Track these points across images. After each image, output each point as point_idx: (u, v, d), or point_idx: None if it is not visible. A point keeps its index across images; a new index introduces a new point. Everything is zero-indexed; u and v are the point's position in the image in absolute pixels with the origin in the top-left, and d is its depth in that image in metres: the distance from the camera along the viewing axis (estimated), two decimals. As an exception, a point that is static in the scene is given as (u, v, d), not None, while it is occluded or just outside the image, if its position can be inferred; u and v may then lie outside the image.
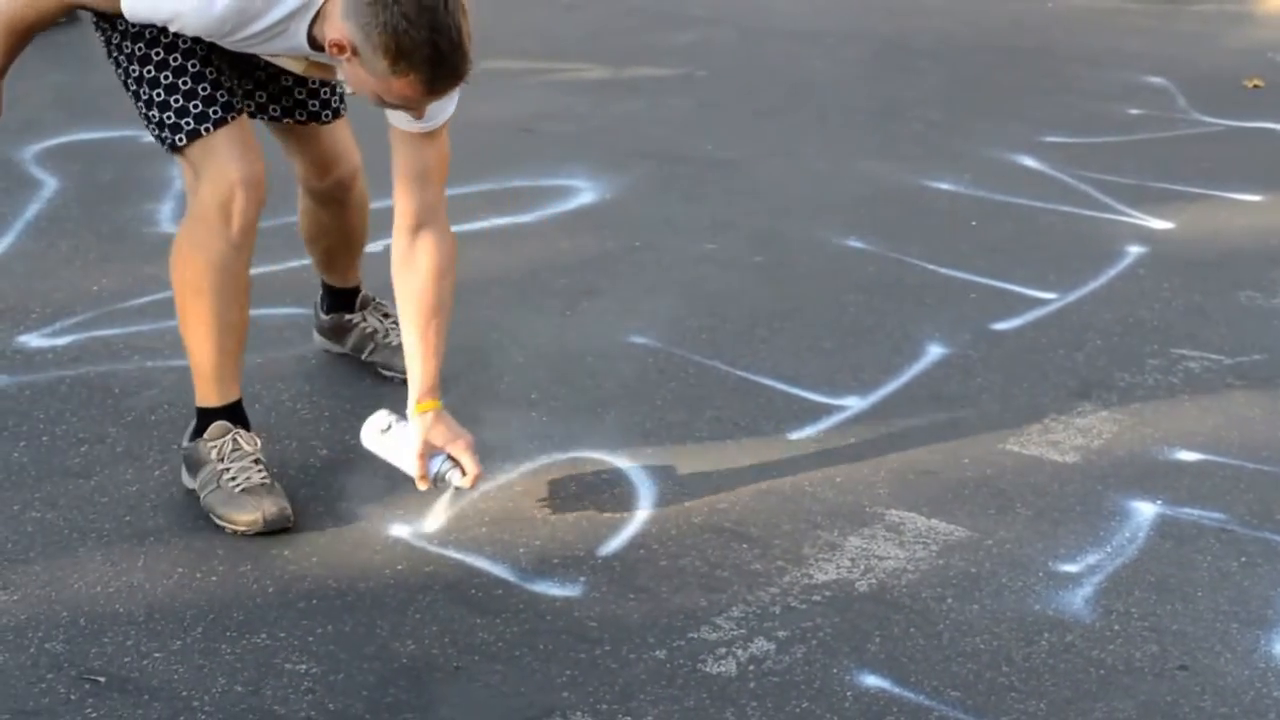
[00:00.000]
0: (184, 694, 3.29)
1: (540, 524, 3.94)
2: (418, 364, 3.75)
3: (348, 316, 4.55)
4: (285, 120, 4.08)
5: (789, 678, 3.43)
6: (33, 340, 4.70)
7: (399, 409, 3.91)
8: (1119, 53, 9.08)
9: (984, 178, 6.65)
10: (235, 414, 3.87)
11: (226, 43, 3.64)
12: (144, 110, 3.76)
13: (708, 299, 5.31)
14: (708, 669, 3.45)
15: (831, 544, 3.92)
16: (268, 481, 3.80)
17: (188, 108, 3.69)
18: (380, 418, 3.90)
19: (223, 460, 3.81)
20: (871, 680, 3.45)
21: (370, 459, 4.04)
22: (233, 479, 3.78)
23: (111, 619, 3.50)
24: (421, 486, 3.81)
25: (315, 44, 3.55)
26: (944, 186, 6.53)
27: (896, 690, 3.42)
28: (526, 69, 8.36)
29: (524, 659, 3.46)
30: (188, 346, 3.83)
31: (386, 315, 4.51)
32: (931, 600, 3.72)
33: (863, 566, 3.83)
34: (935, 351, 5.00)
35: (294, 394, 4.47)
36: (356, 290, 4.55)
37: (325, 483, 4.04)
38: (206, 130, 3.69)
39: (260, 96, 4.01)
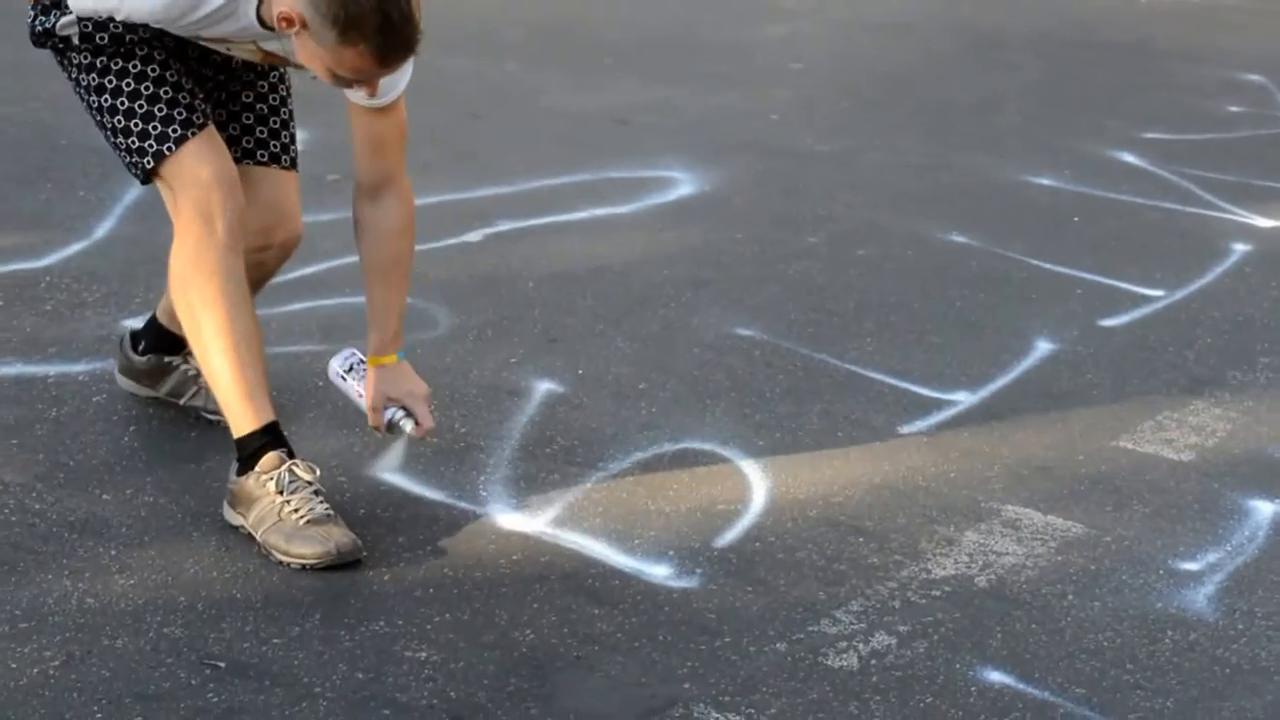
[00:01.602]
0: (305, 680, 3.26)
1: (654, 515, 3.90)
2: (378, 317, 3.79)
3: (168, 359, 4.19)
4: (245, 163, 3.85)
5: (911, 672, 3.39)
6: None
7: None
8: (1215, 49, 9.00)
9: (1084, 173, 6.59)
10: (276, 435, 3.70)
11: (177, 28, 3.57)
12: (112, 141, 3.69)
13: (813, 292, 5.27)
14: (829, 662, 3.41)
15: (948, 539, 3.87)
16: (331, 513, 3.64)
17: (148, 130, 3.63)
18: (343, 358, 3.94)
19: (282, 493, 3.65)
20: (995, 676, 3.40)
21: (488, 449, 4.02)
22: (295, 511, 3.61)
23: (229, 604, 3.48)
24: (376, 433, 3.86)
25: (265, 24, 3.49)
26: (1045, 182, 6.48)
27: (1020, 686, 3.37)
28: (617, 62, 8.33)
29: (644, 650, 3.42)
30: (211, 372, 3.67)
31: None
32: (1052, 597, 3.67)
33: (981, 562, 3.79)
34: (1044, 347, 4.95)
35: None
36: None
37: (437, 473, 4.02)
38: (169, 150, 3.60)
39: (222, 135, 3.80)
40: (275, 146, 3.91)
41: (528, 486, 3.98)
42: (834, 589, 3.66)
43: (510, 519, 3.85)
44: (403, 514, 3.84)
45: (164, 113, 3.62)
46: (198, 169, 3.60)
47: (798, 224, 5.87)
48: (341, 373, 3.93)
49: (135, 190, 5.65)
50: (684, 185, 6.20)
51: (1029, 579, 3.73)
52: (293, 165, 3.94)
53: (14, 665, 3.25)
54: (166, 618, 3.42)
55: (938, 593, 3.66)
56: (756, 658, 3.42)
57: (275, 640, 3.37)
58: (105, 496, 3.82)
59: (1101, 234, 5.93)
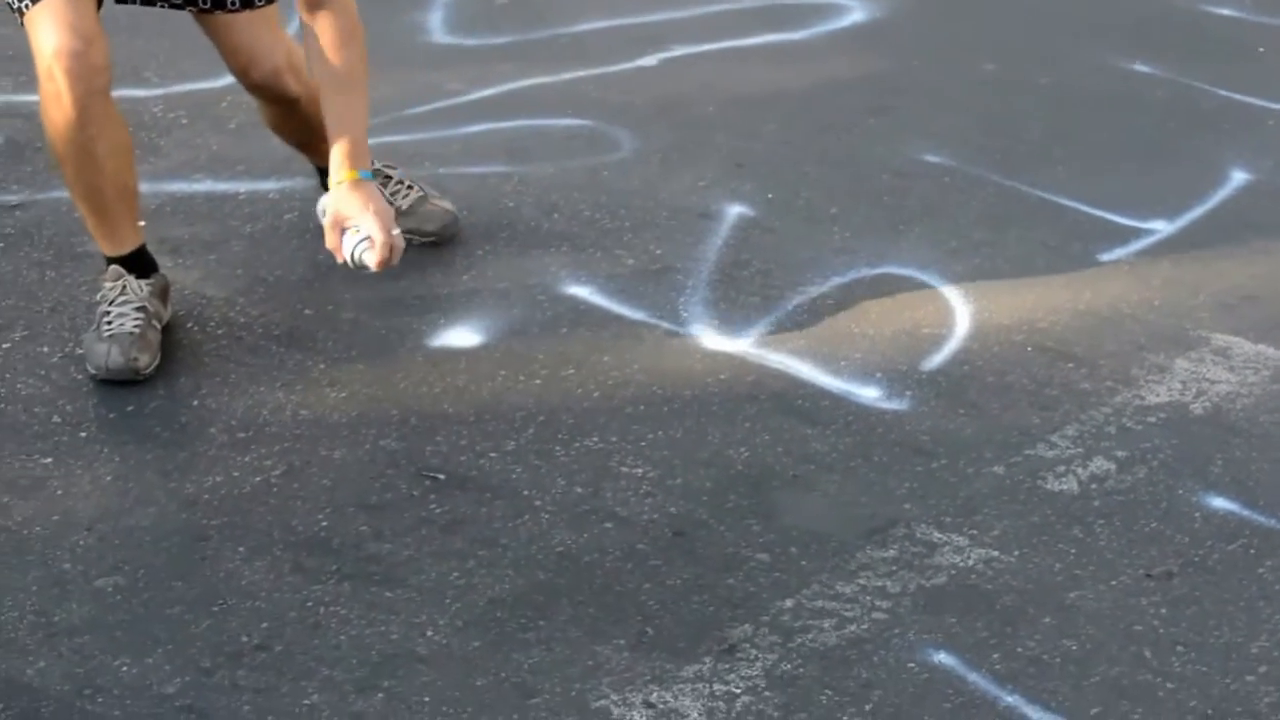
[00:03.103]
0: (524, 493, 3.24)
1: (859, 338, 3.85)
2: (334, 130, 3.46)
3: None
4: (215, 13, 3.71)
5: (1133, 497, 3.33)
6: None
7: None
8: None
9: (1266, 4, 6.39)
10: (130, 262, 3.66)
11: None
12: None
13: (997, 119, 5.15)
14: (1048, 486, 3.36)
15: (1159, 366, 3.79)
16: (137, 331, 3.56)
17: None
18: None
19: (107, 303, 3.61)
20: (1219, 502, 3.34)
21: (685, 271, 3.98)
22: (109, 323, 3.57)
23: (441, 419, 3.46)
24: (339, 261, 3.44)
25: None
26: (1225, 12, 6.29)
27: (1247, 513, 3.32)
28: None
29: (860, 470, 3.38)
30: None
31: (388, 179, 4.09)
32: (1271, 425, 3.60)
33: (1195, 390, 3.71)
34: (1239, 177, 4.83)
35: (593, 204, 4.38)
36: None
37: (637, 293, 3.98)
38: (25, 7, 3.43)
39: None
40: None
41: (728, 308, 3.92)
42: (1047, 414, 3.60)
43: (713, 339, 3.80)
44: (605, 333, 3.80)
45: None
46: (42, 38, 3.41)
47: (972, 51, 5.74)
48: (321, 208, 3.50)
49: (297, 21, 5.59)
50: (856, 12, 6.06)
51: (1245, 407, 3.65)
52: (246, 5, 3.72)
53: (236, 474, 3.24)
54: (381, 430, 3.40)
55: (1153, 419, 3.59)
56: (974, 480, 3.36)
57: (491, 454, 3.35)
58: (307, 311, 3.81)
59: (1286, 65, 5.77)
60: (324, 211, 3.42)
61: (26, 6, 3.43)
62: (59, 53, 3.40)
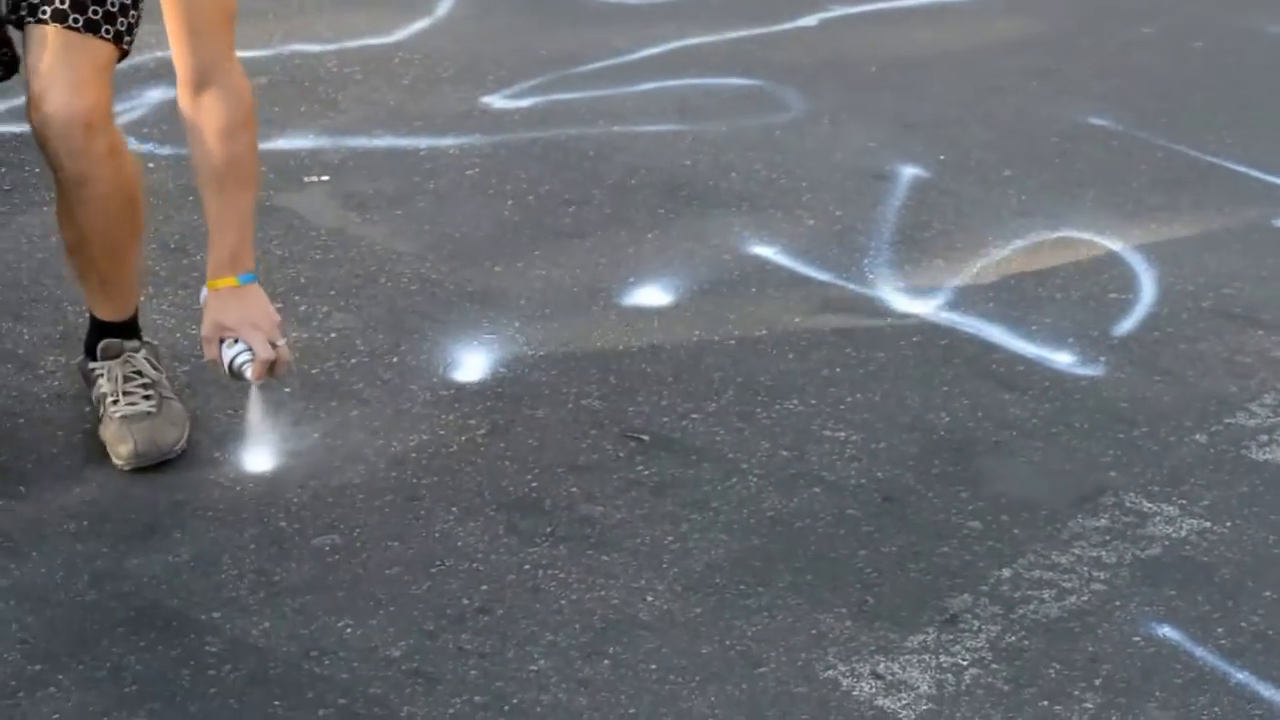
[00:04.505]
0: (730, 456, 3.24)
1: (1046, 301, 3.82)
2: (214, 231, 3.01)
3: (91, 365, 3.29)
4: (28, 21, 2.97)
5: (1344, 469, 3.29)
6: (496, 101, 4.65)
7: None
8: None
9: None
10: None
11: None
12: None
13: (1158, 83, 5.11)
14: (1253, 456, 3.33)
15: (1353, 336, 3.75)
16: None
17: None
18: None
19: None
20: None
21: (866, 232, 4.03)
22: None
23: (640, 379, 3.45)
24: (217, 371, 3.06)
25: None
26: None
27: None
28: None
29: (1062, 436, 3.36)
30: None
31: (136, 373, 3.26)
32: None
33: (1393, 359, 3.66)
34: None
35: (768, 164, 4.36)
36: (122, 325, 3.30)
37: (821, 254, 3.99)
38: None
39: None
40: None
41: (913, 270, 3.91)
42: (1243, 381, 3.57)
43: (902, 301, 3.79)
44: (794, 294, 3.79)
45: None
46: None
47: (1128, 15, 5.69)
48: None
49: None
50: (1007, -28, 6.01)
51: None
52: (60, 19, 2.93)
53: (442, 433, 3.25)
54: (582, 390, 3.40)
55: (1354, 389, 3.54)
56: (1178, 448, 3.33)
57: (693, 415, 3.34)
58: (498, 269, 3.81)
59: None
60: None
61: None
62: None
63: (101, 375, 3.23)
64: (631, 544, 2.98)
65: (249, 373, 2.94)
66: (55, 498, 3.00)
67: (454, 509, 3.05)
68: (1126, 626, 2.86)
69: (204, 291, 3.02)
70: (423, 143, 4.31)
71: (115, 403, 3.18)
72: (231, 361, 2.96)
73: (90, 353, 3.27)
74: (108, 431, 3.18)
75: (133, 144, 3.32)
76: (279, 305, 3.44)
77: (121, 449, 3.12)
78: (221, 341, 2.98)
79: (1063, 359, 3.61)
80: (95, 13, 2.92)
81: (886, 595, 2.90)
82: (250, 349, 2.94)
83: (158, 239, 3.71)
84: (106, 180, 3.01)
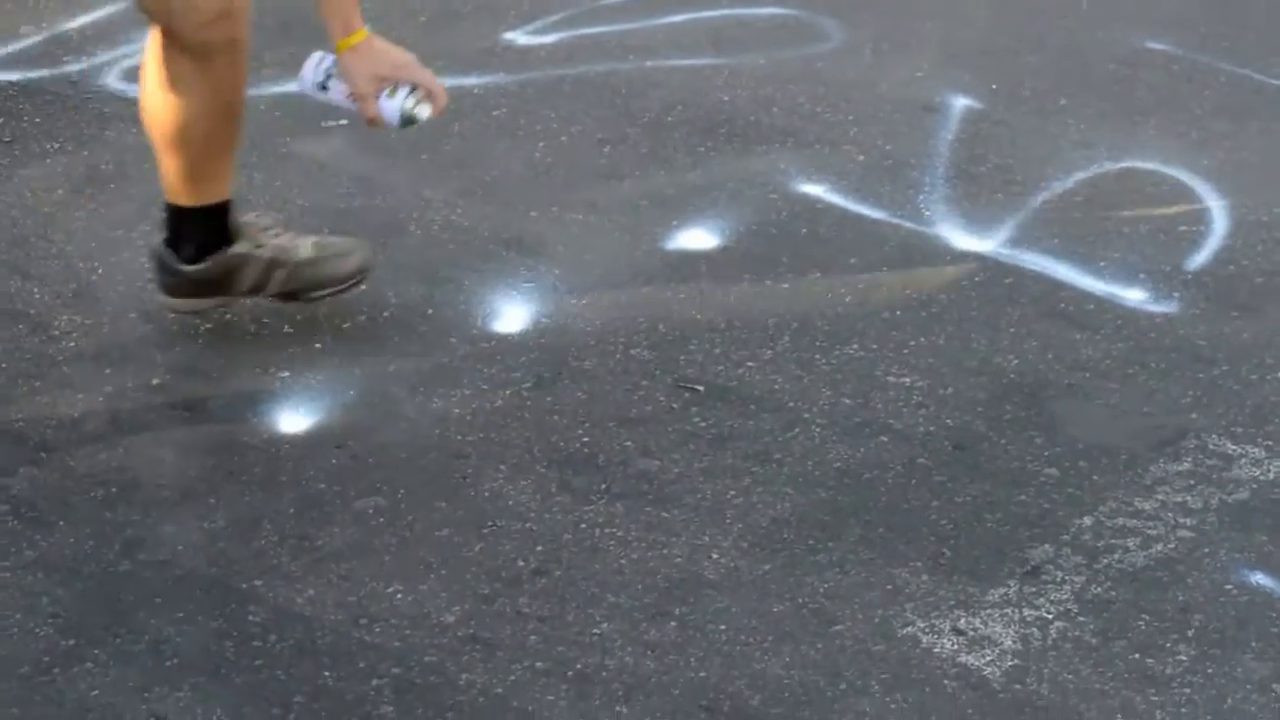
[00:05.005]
0: (790, 405, 3.07)
1: (1114, 235, 3.64)
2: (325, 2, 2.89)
3: (235, 248, 3.20)
4: None
5: None
6: (519, 38, 4.45)
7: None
8: None
9: None
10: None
11: None
12: None
13: (1219, 5, 4.89)
14: (1341, 394, 3.14)
15: None
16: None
17: None
18: (314, 66, 3.02)
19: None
20: None
21: (920, 167, 3.86)
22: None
23: (690, 325, 3.28)
24: (378, 128, 3.02)
25: None
26: None
27: None
28: None
29: (1138, 377, 3.18)
30: None
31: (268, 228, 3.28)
32: None
33: None
34: None
35: (811, 97, 4.17)
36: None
37: (874, 191, 3.81)
38: None
39: None
40: None
41: (971, 206, 3.72)
42: (1326, 315, 3.38)
43: (962, 239, 3.61)
44: (847, 233, 3.62)
45: None
46: None
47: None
48: (318, 82, 3.02)
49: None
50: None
51: None
52: None
53: (485, 387, 3.08)
54: (630, 339, 3.23)
55: None
56: (1260, 387, 3.17)
57: (749, 363, 3.17)
58: (532, 213, 3.63)
59: None
60: (324, 82, 3.00)
61: None
62: None
63: (263, 235, 3.20)
64: (692, 499, 2.82)
65: (426, 112, 2.95)
66: (80, 464, 2.83)
67: (502, 467, 2.88)
68: (1217, 575, 2.71)
69: (323, 65, 2.97)
70: (445, 83, 4.08)
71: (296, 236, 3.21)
72: (403, 107, 2.92)
73: (213, 247, 3.16)
74: (318, 253, 3.21)
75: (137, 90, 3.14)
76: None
77: (355, 256, 3.22)
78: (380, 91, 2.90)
79: (1134, 296, 3.43)
80: None
81: (963, 547, 2.74)
82: (413, 89, 2.92)
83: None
84: (222, 67, 2.99)
